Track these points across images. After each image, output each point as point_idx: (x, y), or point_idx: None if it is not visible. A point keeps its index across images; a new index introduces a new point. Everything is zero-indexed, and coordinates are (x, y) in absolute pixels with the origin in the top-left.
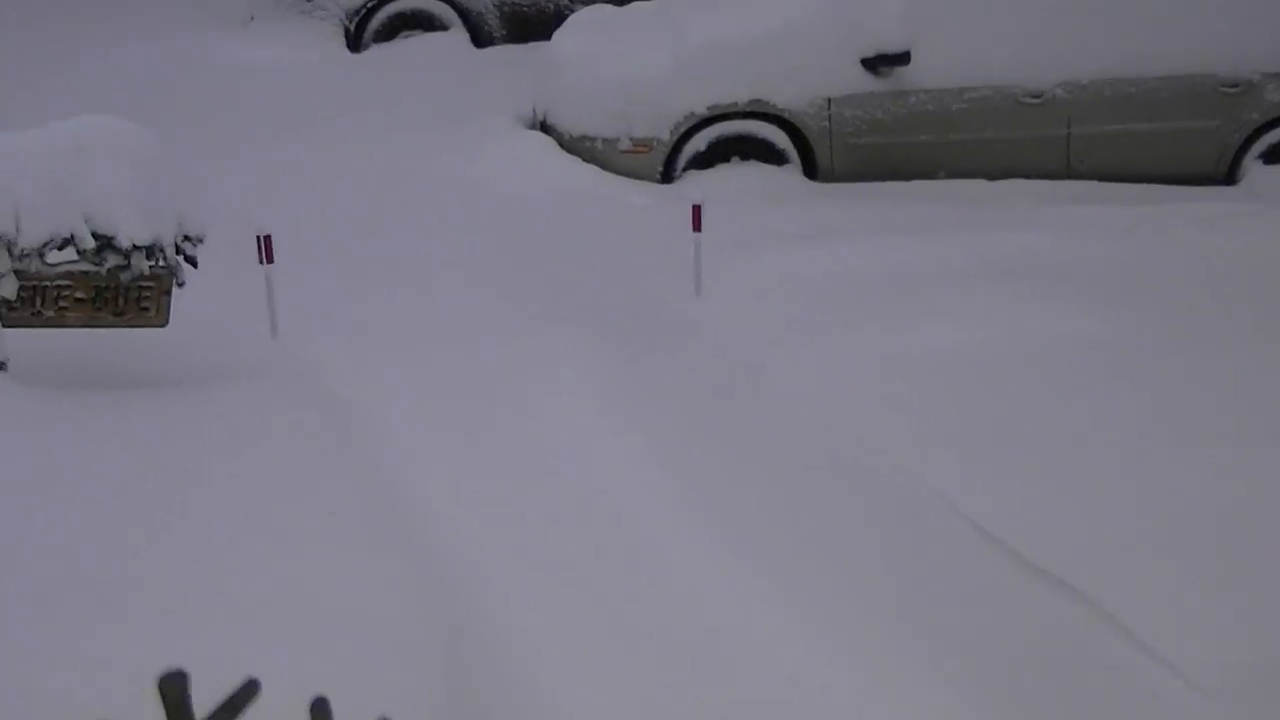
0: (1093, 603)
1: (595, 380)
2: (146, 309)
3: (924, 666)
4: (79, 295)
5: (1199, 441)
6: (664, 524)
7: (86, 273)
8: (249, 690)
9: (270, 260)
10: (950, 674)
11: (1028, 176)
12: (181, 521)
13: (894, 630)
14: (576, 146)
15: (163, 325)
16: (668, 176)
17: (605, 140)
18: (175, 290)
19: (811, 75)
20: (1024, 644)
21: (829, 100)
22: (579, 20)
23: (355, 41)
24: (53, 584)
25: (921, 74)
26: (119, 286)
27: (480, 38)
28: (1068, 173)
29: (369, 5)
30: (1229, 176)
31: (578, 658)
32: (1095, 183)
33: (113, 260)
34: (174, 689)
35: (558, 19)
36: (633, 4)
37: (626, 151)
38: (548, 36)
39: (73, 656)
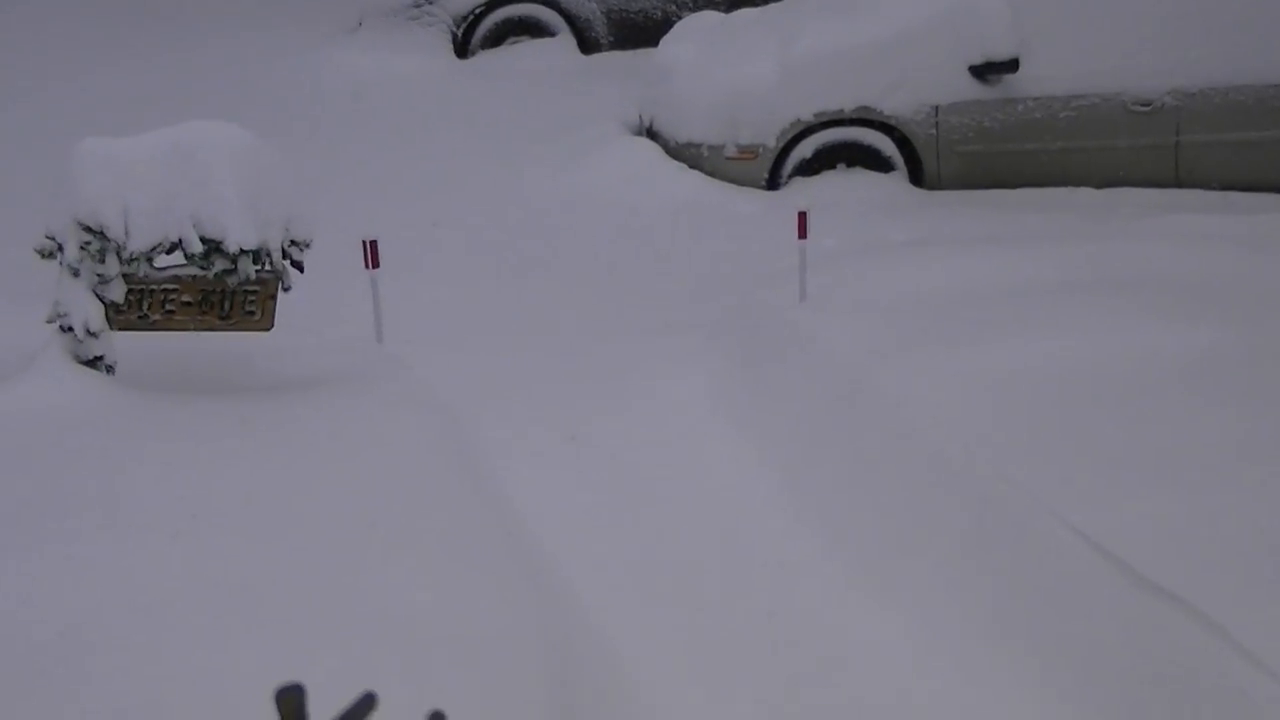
0: (1211, 621)
1: (701, 388)
2: (252, 313)
3: (1036, 681)
4: (186, 299)
5: None
6: (776, 534)
7: (194, 277)
8: (366, 704)
9: (376, 265)
10: (1064, 689)
11: (1135, 185)
12: (289, 530)
13: (1005, 644)
14: (682, 153)
15: (268, 330)
16: (773, 183)
17: (711, 147)
18: (281, 295)
19: (919, 83)
20: (1138, 660)
21: (936, 108)
22: (686, 26)
23: (462, 48)
24: (167, 593)
25: (1029, 82)
26: (225, 291)
27: (587, 44)
28: (1176, 181)
29: (476, 11)
30: None
31: (685, 671)
32: (1205, 192)
33: (220, 265)
34: (291, 702)
35: (665, 25)
36: (740, 10)
37: (732, 158)
38: (654, 43)
39: (191, 668)
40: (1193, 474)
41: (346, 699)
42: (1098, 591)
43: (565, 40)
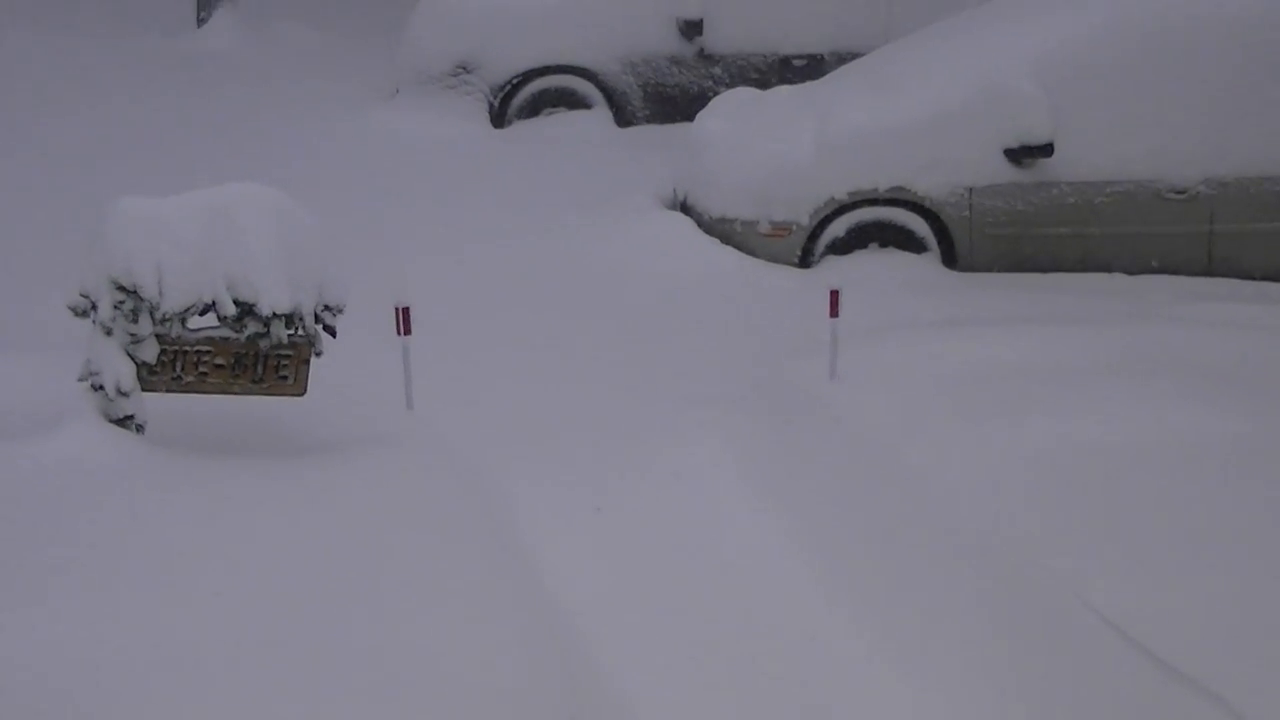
0: (1233, 709)
1: (730, 461)
2: (285, 377)
3: None
4: (218, 361)
5: None
6: (799, 603)
7: (226, 339)
8: None
9: (408, 332)
10: None
11: (1168, 272)
12: (318, 595)
13: (1015, 715)
14: (716, 228)
15: (301, 394)
16: (806, 261)
17: (744, 223)
18: (314, 359)
19: (953, 164)
20: None
21: (970, 190)
22: (722, 102)
23: (499, 117)
24: (197, 649)
25: (1064, 166)
26: (258, 354)
27: (623, 117)
28: (1209, 270)
29: (514, 81)
30: None
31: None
32: (1239, 281)
33: (253, 327)
34: None
35: (701, 100)
36: (776, 88)
37: (766, 235)
38: (690, 117)
39: None
40: (1220, 560)
41: None
42: (1120, 675)
43: (601, 112)
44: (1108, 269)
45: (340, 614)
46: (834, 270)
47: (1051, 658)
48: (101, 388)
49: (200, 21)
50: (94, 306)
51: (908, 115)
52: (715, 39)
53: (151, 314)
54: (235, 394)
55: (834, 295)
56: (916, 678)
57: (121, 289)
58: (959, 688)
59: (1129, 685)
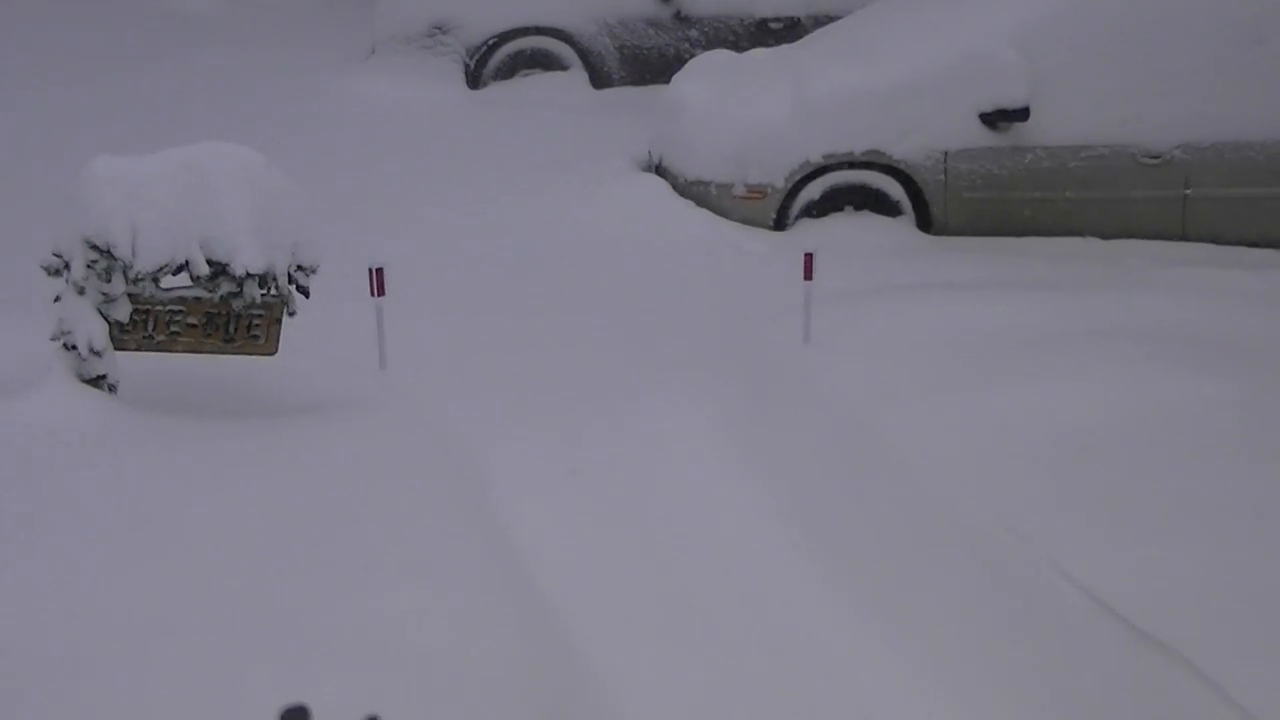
0: (1205, 676)
1: (704, 424)
2: (257, 337)
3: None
4: (190, 321)
5: None
6: (772, 563)
7: (199, 298)
8: None
9: (382, 293)
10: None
11: (1143, 237)
12: (290, 553)
13: (995, 678)
14: (690, 191)
15: (272, 354)
16: (780, 224)
17: (719, 185)
18: (286, 319)
19: (929, 128)
20: (1134, 712)
21: (945, 153)
22: (698, 64)
23: (475, 79)
24: (169, 608)
25: (1039, 131)
26: (230, 313)
27: (599, 78)
28: (1183, 234)
29: (489, 43)
30: None
31: (668, 689)
32: (1212, 246)
33: (226, 287)
34: None
35: (677, 62)
36: (753, 51)
37: (740, 197)
38: (666, 79)
39: (193, 685)
40: (1197, 527)
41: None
42: (1093, 640)
43: (577, 74)
44: (1082, 233)
45: (308, 575)
46: (808, 233)
47: (1025, 621)
48: (74, 347)
49: None
50: (67, 266)
51: (885, 79)
52: (692, 1)
53: (125, 273)
54: (207, 353)
55: (808, 259)
56: (891, 639)
57: (95, 248)
58: (933, 649)
59: (1102, 650)
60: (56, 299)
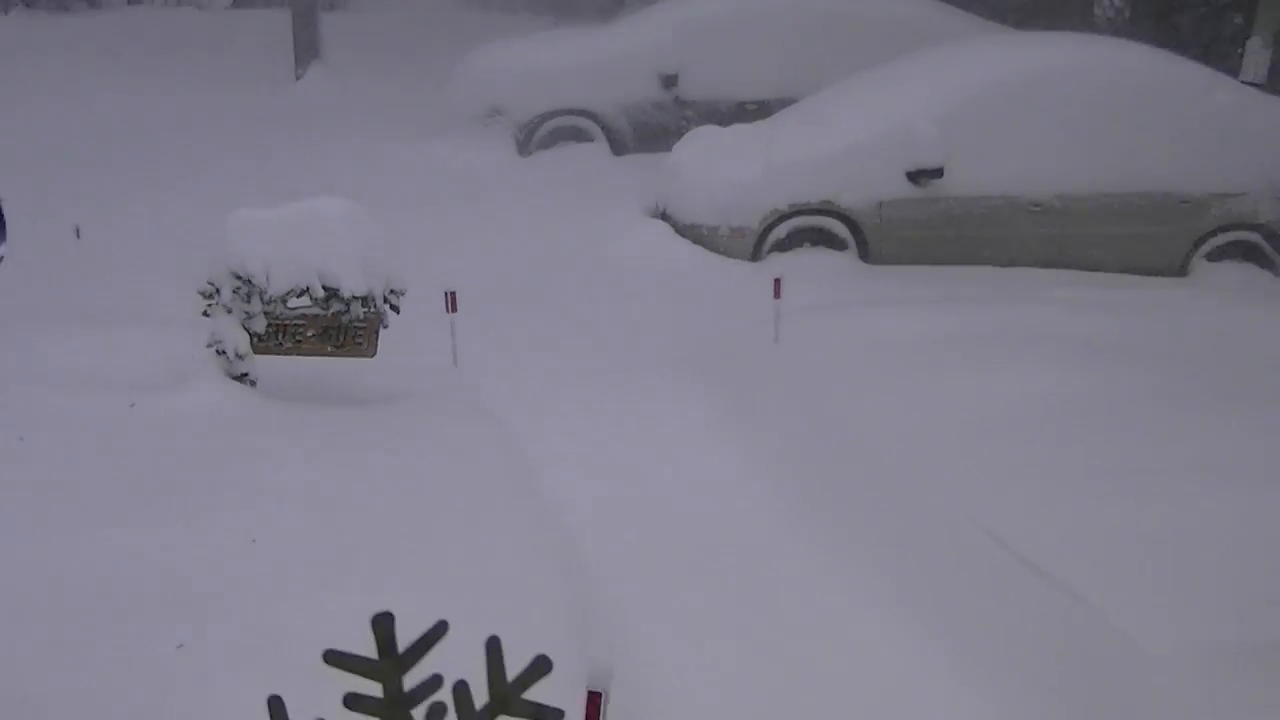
0: (1080, 596)
1: (697, 404)
2: (360, 344)
3: (924, 624)
4: (310, 332)
5: (1181, 473)
6: (745, 506)
7: (317, 315)
8: (439, 630)
9: (454, 310)
10: (951, 637)
11: (1030, 265)
12: (383, 507)
13: (911, 605)
14: (687, 232)
15: (372, 356)
16: (756, 256)
17: (709, 227)
18: (382, 330)
19: (867, 183)
20: (1026, 629)
21: (880, 203)
22: (692, 136)
23: (523, 148)
24: (292, 552)
25: (951, 185)
26: (340, 326)
27: (618, 147)
28: (1060, 264)
29: (535, 121)
30: (1181, 270)
31: (672, 610)
32: (1080, 271)
33: (336, 306)
34: (383, 626)
35: (676, 135)
36: (734, 125)
37: (725, 236)
38: (668, 148)
39: (311, 606)
40: (1077, 485)
41: (424, 627)
42: (995, 572)
43: (601, 144)
44: (984, 263)
45: (399, 523)
46: (777, 263)
47: (943, 557)
48: (224, 352)
49: (298, 77)
50: (217, 291)
51: (833, 146)
52: (687, 89)
53: (261, 297)
54: (323, 356)
55: (777, 282)
56: (838, 556)
57: (239, 278)
58: (868, 568)
59: (1000, 578)
60: (205, 313)
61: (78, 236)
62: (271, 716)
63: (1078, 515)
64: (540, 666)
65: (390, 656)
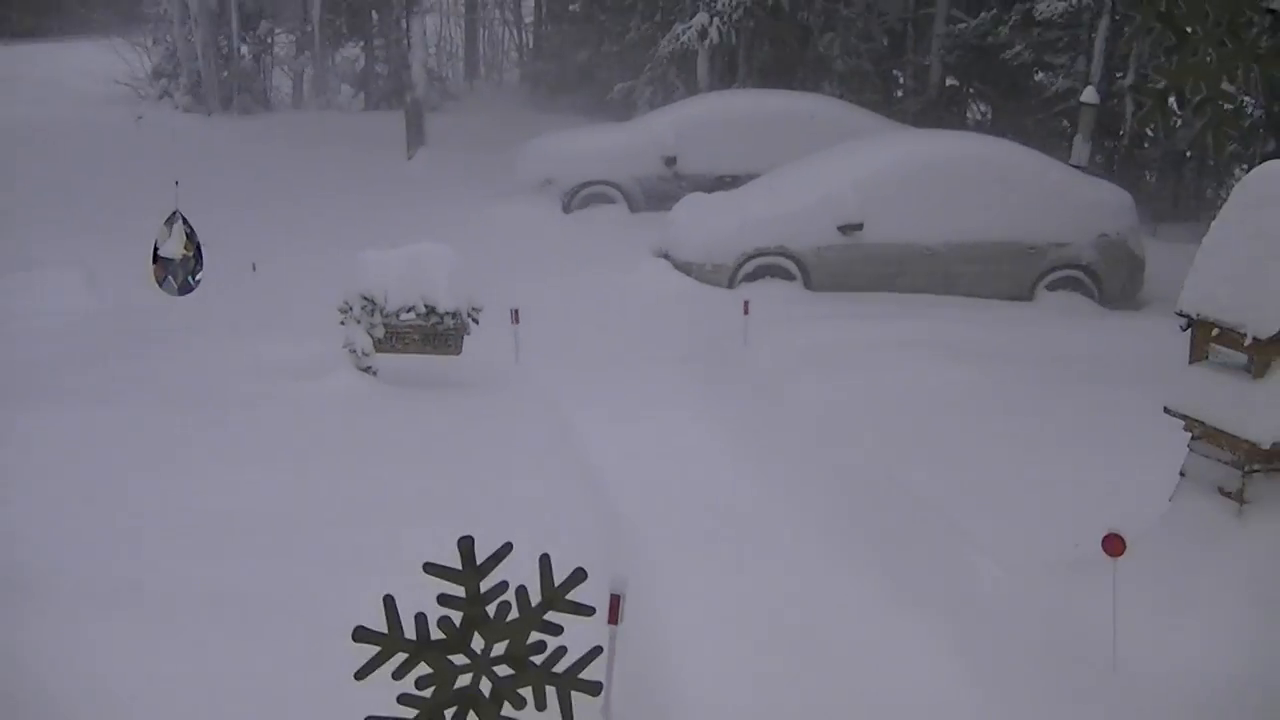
0: (948, 517)
1: (684, 390)
2: (450, 345)
3: (848, 551)
4: (415, 337)
5: (1021, 435)
6: (715, 464)
7: (420, 325)
8: (505, 550)
9: (516, 322)
10: (863, 550)
11: (925, 292)
12: (463, 464)
13: (837, 536)
14: (682, 267)
15: (458, 354)
16: (731, 285)
17: (697, 264)
18: (466, 337)
19: (810, 234)
20: (915, 539)
21: (819, 247)
22: (687, 200)
23: (566, 208)
24: (400, 498)
25: (868, 235)
26: (437, 333)
27: (633, 207)
28: (947, 291)
29: (575, 188)
30: (1030, 296)
31: (659, 524)
32: (961, 297)
33: (434, 319)
34: (466, 546)
35: (675, 198)
36: (715, 192)
37: (709, 270)
38: (669, 208)
39: (406, 537)
40: (967, 453)
41: (492, 548)
42: (902, 512)
43: (621, 205)
44: (893, 290)
45: (479, 472)
46: (746, 290)
47: (862, 500)
48: (354, 351)
49: (409, 158)
50: (350, 308)
51: (786, 207)
52: (683, 166)
53: (380, 312)
54: (424, 355)
55: (746, 304)
56: (781, 497)
57: (365, 299)
58: (800, 511)
59: (905, 515)
60: (341, 323)
61: (253, 270)
62: (386, 611)
63: (955, 467)
64: (578, 576)
65: (471, 567)
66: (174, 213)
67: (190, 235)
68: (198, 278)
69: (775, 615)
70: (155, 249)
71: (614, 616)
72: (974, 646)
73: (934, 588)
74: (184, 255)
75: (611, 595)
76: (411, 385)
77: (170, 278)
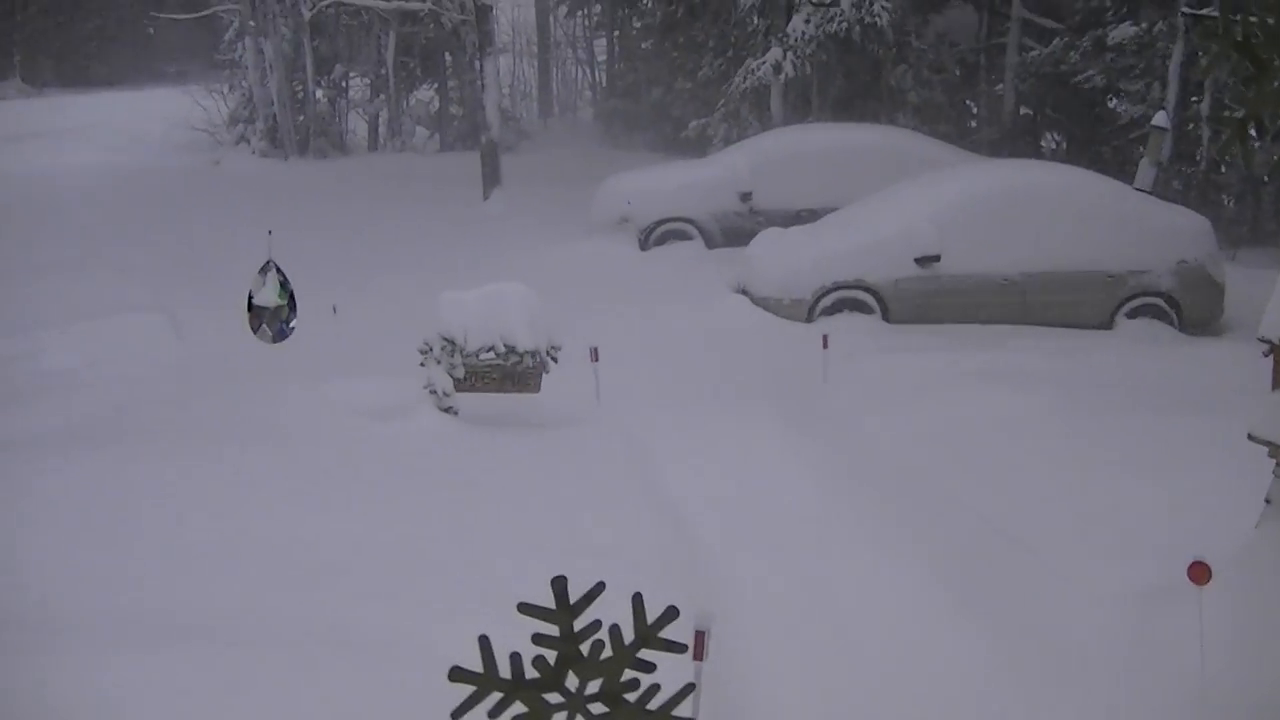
0: (1023, 542)
1: (767, 428)
2: (530, 384)
3: (929, 570)
4: (495, 376)
5: (1101, 463)
6: (801, 491)
7: (500, 364)
8: (598, 589)
9: (596, 360)
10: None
11: (1002, 323)
12: (546, 502)
13: (900, 544)
14: (760, 303)
15: (537, 393)
16: (809, 319)
17: (775, 299)
18: (545, 375)
19: (887, 266)
20: (994, 574)
21: (896, 280)
22: (763, 235)
23: (643, 245)
24: (483, 526)
25: (946, 267)
26: (516, 372)
27: (710, 243)
28: (1024, 321)
29: (651, 226)
30: (1109, 324)
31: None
32: (1039, 327)
33: (513, 358)
34: (560, 586)
35: (751, 233)
36: (792, 227)
37: (787, 305)
38: (746, 243)
39: (497, 572)
40: (1042, 478)
41: (585, 587)
42: (963, 529)
43: (698, 242)
44: (970, 322)
45: (547, 505)
46: (825, 324)
47: (928, 519)
48: (435, 391)
49: (485, 198)
50: (431, 349)
51: (863, 240)
52: (759, 202)
53: (460, 352)
54: (504, 394)
55: (825, 338)
56: (875, 551)
57: (445, 340)
58: (873, 523)
59: (982, 544)
60: (421, 364)
61: (334, 312)
62: (481, 650)
63: (1032, 495)
64: (670, 614)
65: (565, 606)
66: (268, 261)
67: (284, 284)
68: (291, 325)
69: (860, 650)
70: (250, 297)
71: (699, 653)
72: (1061, 675)
73: (1021, 619)
74: (278, 304)
75: (696, 631)
76: (492, 424)
77: (265, 325)
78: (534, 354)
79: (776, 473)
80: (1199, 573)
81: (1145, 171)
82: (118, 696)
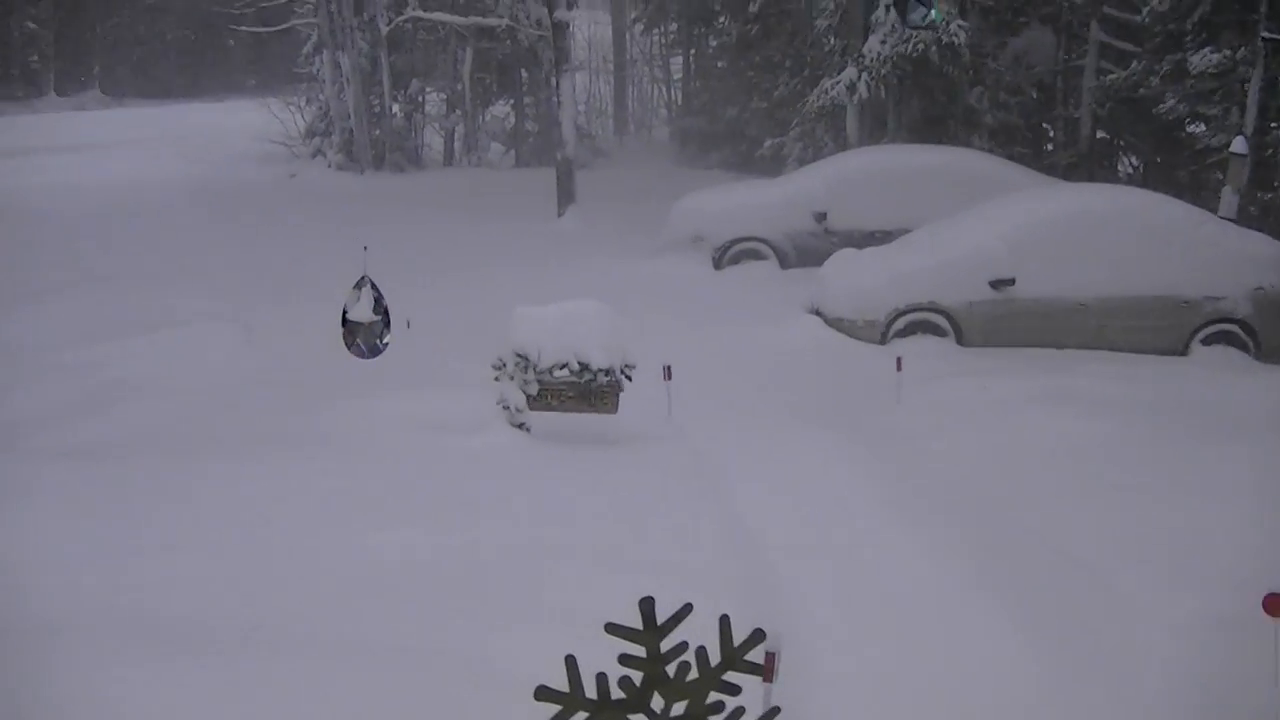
0: (1091, 570)
1: (841, 450)
2: (605, 403)
3: (982, 592)
4: (569, 395)
5: (1173, 491)
6: (871, 513)
7: (574, 383)
8: (685, 611)
9: (669, 379)
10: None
11: (1076, 347)
12: (618, 521)
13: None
14: (833, 324)
15: (613, 412)
16: (883, 341)
17: (848, 320)
18: (620, 394)
19: (961, 289)
20: (1063, 600)
21: (970, 302)
22: (837, 256)
23: (717, 264)
24: (565, 548)
25: (1020, 290)
26: (591, 390)
27: (784, 264)
28: (1098, 345)
29: (725, 245)
30: (1184, 351)
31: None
32: (1112, 352)
33: (588, 376)
34: (647, 607)
35: (826, 254)
36: (866, 249)
37: (861, 326)
38: (819, 264)
39: (580, 591)
40: (1118, 504)
41: (671, 608)
42: (1035, 559)
43: (772, 262)
44: (1044, 345)
45: (620, 524)
46: (898, 346)
47: (1009, 549)
48: (508, 408)
49: (560, 215)
50: (504, 365)
51: (936, 262)
52: (833, 222)
53: (534, 369)
54: (579, 412)
55: (899, 360)
56: (944, 574)
57: (519, 356)
58: (965, 582)
59: (1053, 572)
60: (495, 379)
61: (408, 326)
62: (567, 670)
63: (1105, 522)
64: (757, 636)
65: (651, 627)
66: (362, 277)
67: (378, 300)
68: (385, 340)
69: (931, 677)
70: (344, 313)
71: (769, 675)
72: (1130, 708)
73: (1089, 648)
74: (372, 319)
75: (766, 653)
76: (565, 442)
77: (360, 341)
78: (608, 372)
79: (846, 494)
80: (1275, 605)
81: (1229, 200)
82: (183, 702)
